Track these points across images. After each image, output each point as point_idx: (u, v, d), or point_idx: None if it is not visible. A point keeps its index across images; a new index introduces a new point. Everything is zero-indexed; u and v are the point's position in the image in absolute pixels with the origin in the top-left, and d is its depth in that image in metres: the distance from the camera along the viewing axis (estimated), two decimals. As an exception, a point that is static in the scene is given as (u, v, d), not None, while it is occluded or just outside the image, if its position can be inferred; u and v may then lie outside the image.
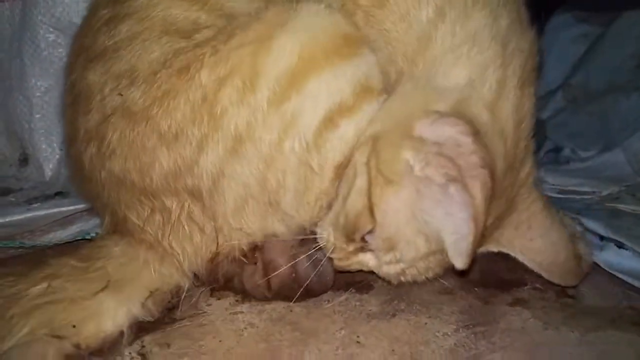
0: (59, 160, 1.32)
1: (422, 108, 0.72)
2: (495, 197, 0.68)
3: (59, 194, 1.26)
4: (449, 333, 0.76)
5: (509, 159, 0.73)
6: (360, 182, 0.73)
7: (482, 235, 0.68)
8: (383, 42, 0.79)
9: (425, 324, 0.79)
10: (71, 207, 1.14)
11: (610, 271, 0.89)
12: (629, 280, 0.86)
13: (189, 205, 0.75)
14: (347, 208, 0.74)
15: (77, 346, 0.69)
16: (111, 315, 0.72)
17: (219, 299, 0.84)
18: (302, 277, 0.79)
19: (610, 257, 0.90)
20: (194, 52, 0.72)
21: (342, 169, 0.75)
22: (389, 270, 0.75)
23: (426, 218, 0.69)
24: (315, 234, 0.79)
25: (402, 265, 0.74)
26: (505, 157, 0.72)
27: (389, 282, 0.79)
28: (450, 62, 0.74)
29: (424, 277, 0.76)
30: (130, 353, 0.71)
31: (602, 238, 0.95)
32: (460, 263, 0.66)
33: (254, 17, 0.74)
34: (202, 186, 0.73)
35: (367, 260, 0.77)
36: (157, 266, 0.77)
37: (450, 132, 0.66)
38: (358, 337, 0.76)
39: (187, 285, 0.79)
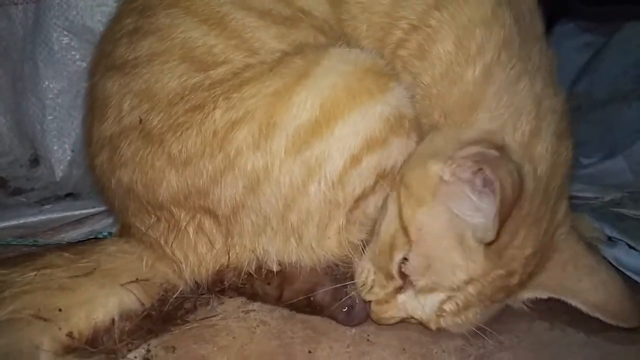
0: (70, 162, 1.34)
1: (450, 142, 0.73)
2: (527, 219, 0.70)
3: (69, 195, 1.27)
4: (458, 333, 0.78)
5: (540, 185, 0.73)
6: (391, 210, 0.74)
7: (524, 264, 0.71)
8: (419, 94, 0.80)
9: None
10: (84, 211, 1.16)
11: (619, 267, 0.90)
12: (637, 278, 0.88)
13: (200, 218, 0.78)
14: (381, 236, 0.75)
15: (70, 335, 0.70)
16: (102, 302, 0.74)
17: (231, 297, 0.85)
18: (319, 303, 0.79)
19: (621, 255, 0.92)
20: (209, 93, 0.74)
21: (361, 199, 0.77)
22: (425, 306, 0.73)
23: (459, 219, 0.69)
24: (342, 268, 0.80)
25: (439, 295, 0.72)
26: (535, 181, 0.72)
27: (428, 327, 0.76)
28: (491, 127, 0.75)
29: (463, 319, 0.73)
30: (135, 357, 0.72)
31: (609, 238, 0.97)
32: (487, 236, 0.66)
33: (271, 68, 0.75)
34: (219, 210, 0.76)
35: (405, 301, 0.75)
36: (151, 261, 0.79)
37: (476, 148, 0.68)
38: (369, 336, 0.78)
39: (181, 288, 0.80)
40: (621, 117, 1.45)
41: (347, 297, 0.78)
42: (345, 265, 0.80)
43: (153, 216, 0.79)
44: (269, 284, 0.81)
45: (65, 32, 1.30)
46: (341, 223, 0.77)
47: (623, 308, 0.75)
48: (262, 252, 0.78)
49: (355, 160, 0.74)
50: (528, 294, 0.78)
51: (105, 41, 0.87)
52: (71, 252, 0.79)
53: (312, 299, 0.79)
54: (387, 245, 0.74)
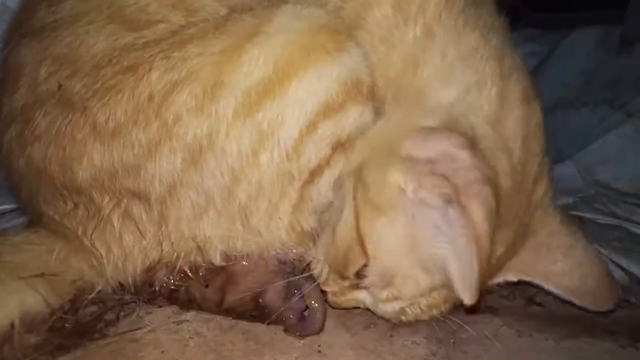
0: (-22, 157, 1.19)
1: (410, 125, 0.66)
2: (502, 220, 0.62)
3: (-24, 193, 1.12)
4: (418, 342, 0.71)
5: (516, 177, 0.67)
6: (348, 214, 0.66)
7: (494, 265, 0.64)
8: None
9: (392, 335, 0.72)
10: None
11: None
12: None
13: (127, 203, 0.67)
14: (337, 241, 0.67)
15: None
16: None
17: (160, 306, 0.75)
18: (269, 304, 0.69)
19: None
20: (143, 53, 0.65)
21: (317, 173, 0.68)
22: (386, 309, 0.67)
23: (425, 248, 0.61)
24: (295, 264, 0.71)
25: (401, 303, 0.66)
26: (511, 175, 0.65)
27: (387, 320, 0.70)
28: (441, 82, 0.68)
29: (427, 316, 0.68)
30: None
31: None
32: (466, 297, 0.57)
33: (216, 27, 0.66)
34: (152, 191, 0.66)
35: (363, 298, 0.69)
36: (64, 254, 0.68)
37: (443, 146, 0.60)
38: (319, 346, 0.69)
39: (99, 288, 0.70)
40: (569, 123, 1.44)
41: (300, 299, 0.69)
42: (297, 259, 0.71)
43: (69, 203, 0.67)
44: (207, 286, 0.70)
45: (-20, 11, 1.16)
46: (294, 201, 0.68)
47: (598, 291, 0.71)
48: (203, 238, 0.68)
49: (311, 126, 0.65)
50: (497, 279, 0.73)
51: (23, 8, 0.77)
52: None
53: (260, 301, 0.69)
54: (342, 256, 0.66)
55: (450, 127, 0.64)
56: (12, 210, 0.97)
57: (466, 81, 0.68)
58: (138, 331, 0.69)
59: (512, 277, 0.72)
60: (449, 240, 0.58)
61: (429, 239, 0.61)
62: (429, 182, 0.59)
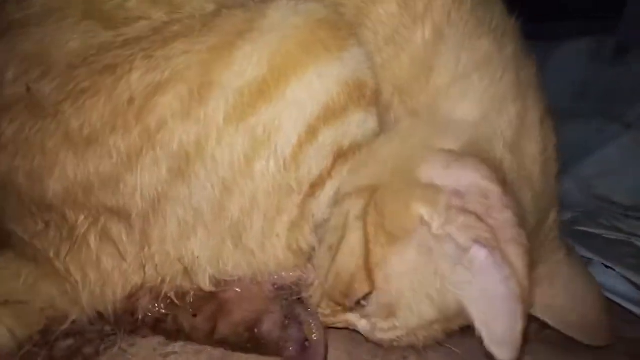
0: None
1: (427, 146, 0.62)
2: None
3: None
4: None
5: (538, 211, 0.63)
6: (354, 239, 0.61)
7: None
8: None
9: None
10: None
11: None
12: (616, 299, 0.82)
13: (105, 222, 0.61)
14: (337, 266, 0.62)
15: None
16: None
17: (144, 337, 0.68)
18: (266, 336, 0.64)
19: (598, 277, 0.83)
20: (122, 51, 0.60)
21: (318, 185, 0.63)
22: (382, 337, 0.63)
23: (441, 285, 0.57)
24: (294, 289, 0.66)
25: (399, 332, 0.62)
26: (534, 214, 0.62)
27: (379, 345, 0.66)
28: (457, 94, 0.65)
29: (423, 344, 0.64)
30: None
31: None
32: (505, 354, 0.52)
33: (203, 23, 0.62)
34: (133, 207, 0.60)
35: (357, 321, 0.65)
36: (32, 280, 0.62)
37: (472, 178, 0.55)
38: (325, 378, 0.63)
39: (74, 317, 0.63)
40: (564, 136, 1.41)
41: (300, 329, 0.63)
42: (295, 284, 0.65)
43: (40, 221, 0.61)
44: (195, 315, 0.64)
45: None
46: (294, 217, 0.62)
47: (597, 327, 0.69)
48: (190, 260, 0.61)
49: (310, 132, 0.60)
50: None
51: None
52: None
53: (255, 331, 0.63)
54: (344, 280, 0.61)
55: (472, 151, 0.60)
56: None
57: (484, 95, 0.64)
58: (121, 367, 0.63)
59: None
60: (478, 285, 0.54)
61: (450, 277, 0.56)
62: (460, 220, 0.54)
